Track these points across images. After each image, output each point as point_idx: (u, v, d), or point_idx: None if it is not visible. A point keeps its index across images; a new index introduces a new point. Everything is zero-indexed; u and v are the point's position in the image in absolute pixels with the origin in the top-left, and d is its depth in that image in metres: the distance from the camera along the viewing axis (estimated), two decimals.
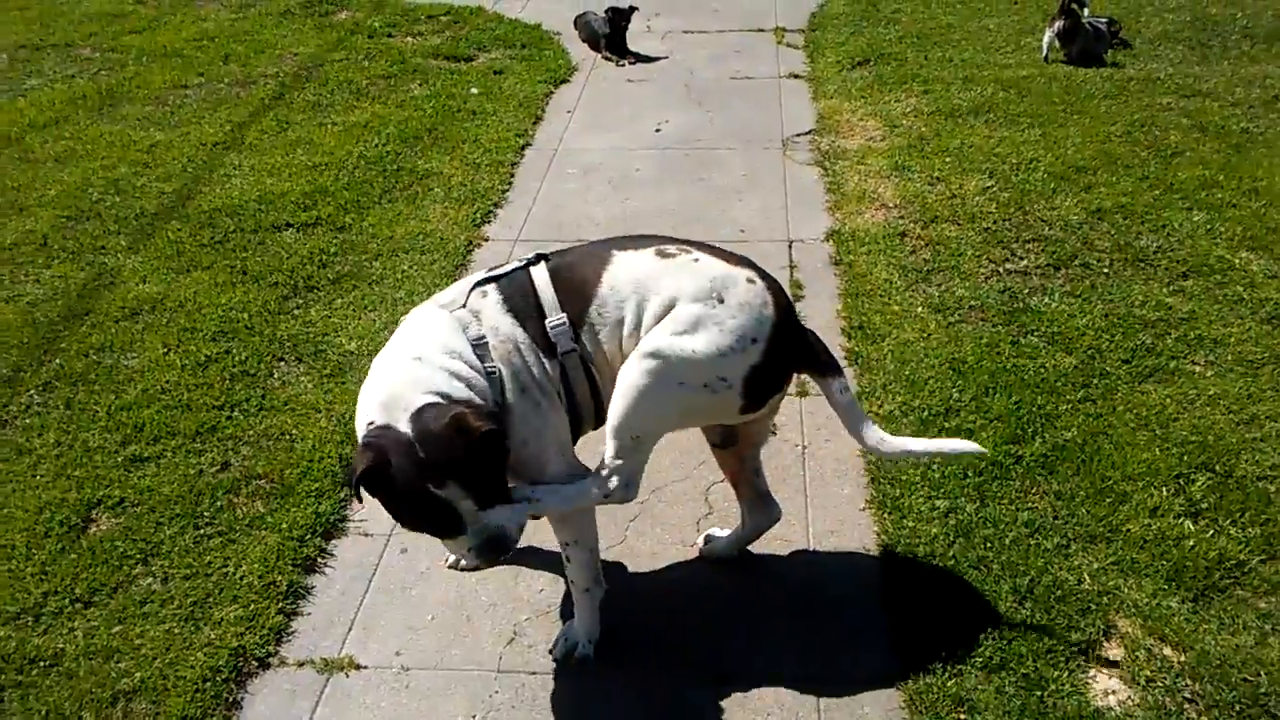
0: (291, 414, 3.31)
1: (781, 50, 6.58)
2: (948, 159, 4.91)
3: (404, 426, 1.97)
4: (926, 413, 3.22)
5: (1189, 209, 4.33)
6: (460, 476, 1.97)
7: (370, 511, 2.93)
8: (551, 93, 6.01)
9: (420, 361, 2.08)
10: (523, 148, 5.28)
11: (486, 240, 4.41)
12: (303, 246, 4.29)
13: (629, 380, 2.17)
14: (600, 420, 2.31)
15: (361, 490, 1.99)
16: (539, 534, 2.68)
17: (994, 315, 3.72)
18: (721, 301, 2.19)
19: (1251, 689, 2.27)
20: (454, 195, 4.73)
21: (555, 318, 2.21)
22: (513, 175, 4.99)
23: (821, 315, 3.77)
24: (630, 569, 2.75)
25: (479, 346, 2.14)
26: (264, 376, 3.51)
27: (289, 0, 7.66)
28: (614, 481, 2.25)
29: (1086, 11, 6.03)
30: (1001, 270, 4.01)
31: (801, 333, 2.34)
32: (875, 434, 2.33)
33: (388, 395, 2.04)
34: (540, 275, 2.26)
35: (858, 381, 3.41)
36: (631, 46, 6.51)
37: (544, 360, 2.21)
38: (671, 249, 2.29)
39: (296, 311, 3.87)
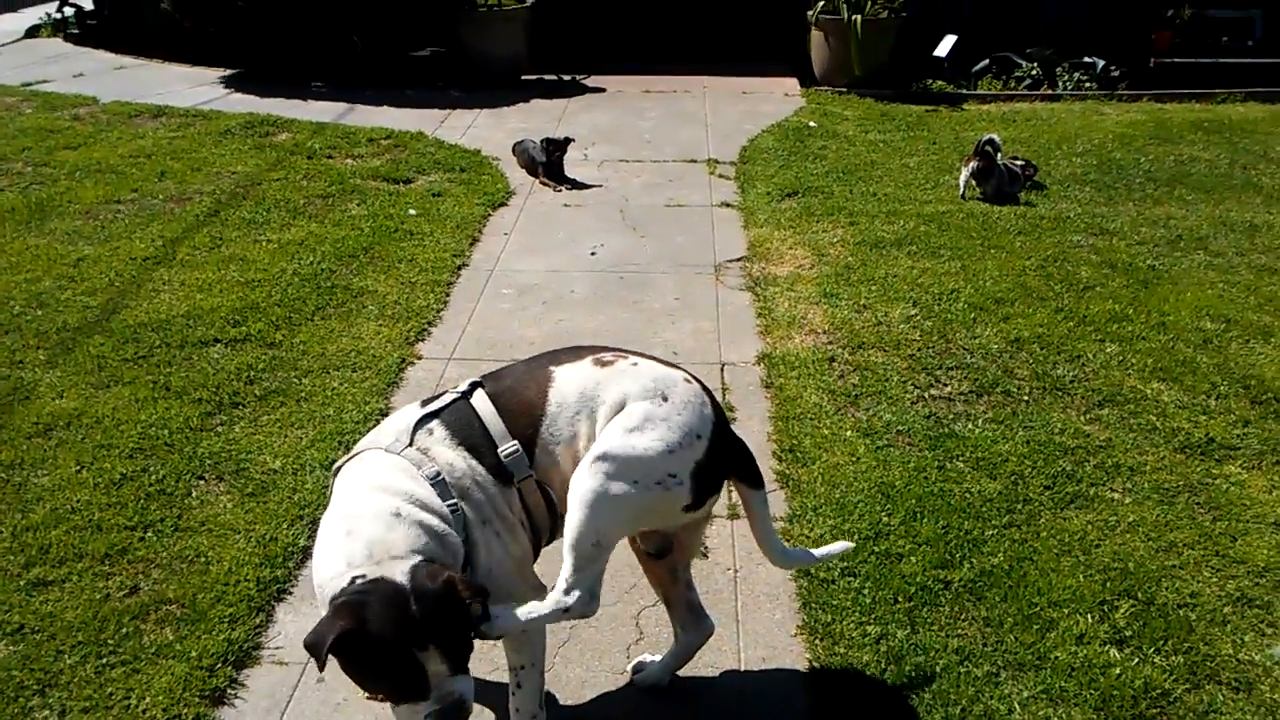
0: (208, 535, 3.19)
1: (714, 180, 6.81)
2: (873, 287, 5.07)
3: (401, 579, 1.89)
4: (856, 536, 3.23)
5: (1102, 341, 4.51)
6: (443, 639, 1.90)
7: (287, 638, 2.81)
8: (489, 215, 6.11)
9: (400, 518, 2.01)
10: (459, 268, 5.33)
11: (420, 358, 4.39)
12: (230, 362, 4.22)
13: (585, 486, 2.15)
14: (556, 534, 2.30)
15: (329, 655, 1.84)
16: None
17: (920, 440, 3.79)
18: (666, 400, 2.24)
19: None
20: (388, 313, 4.73)
21: (508, 446, 2.20)
22: (448, 294, 5.02)
23: (753, 437, 3.77)
24: (560, 699, 2.66)
25: (436, 485, 2.10)
26: (181, 496, 3.39)
27: (230, 120, 7.75)
28: (575, 595, 2.19)
29: (1000, 155, 6.38)
30: (927, 396, 4.11)
31: (735, 437, 2.41)
32: (782, 545, 2.52)
33: (372, 549, 1.96)
34: (483, 404, 2.25)
35: (789, 504, 3.42)
36: (569, 173, 6.69)
37: (501, 489, 2.19)
38: (607, 356, 2.33)
39: (220, 428, 3.78)
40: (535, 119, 8.20)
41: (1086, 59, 9.18)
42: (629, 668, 2.73)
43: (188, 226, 5.70)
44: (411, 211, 6.00)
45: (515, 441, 2.20)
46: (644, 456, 2.17)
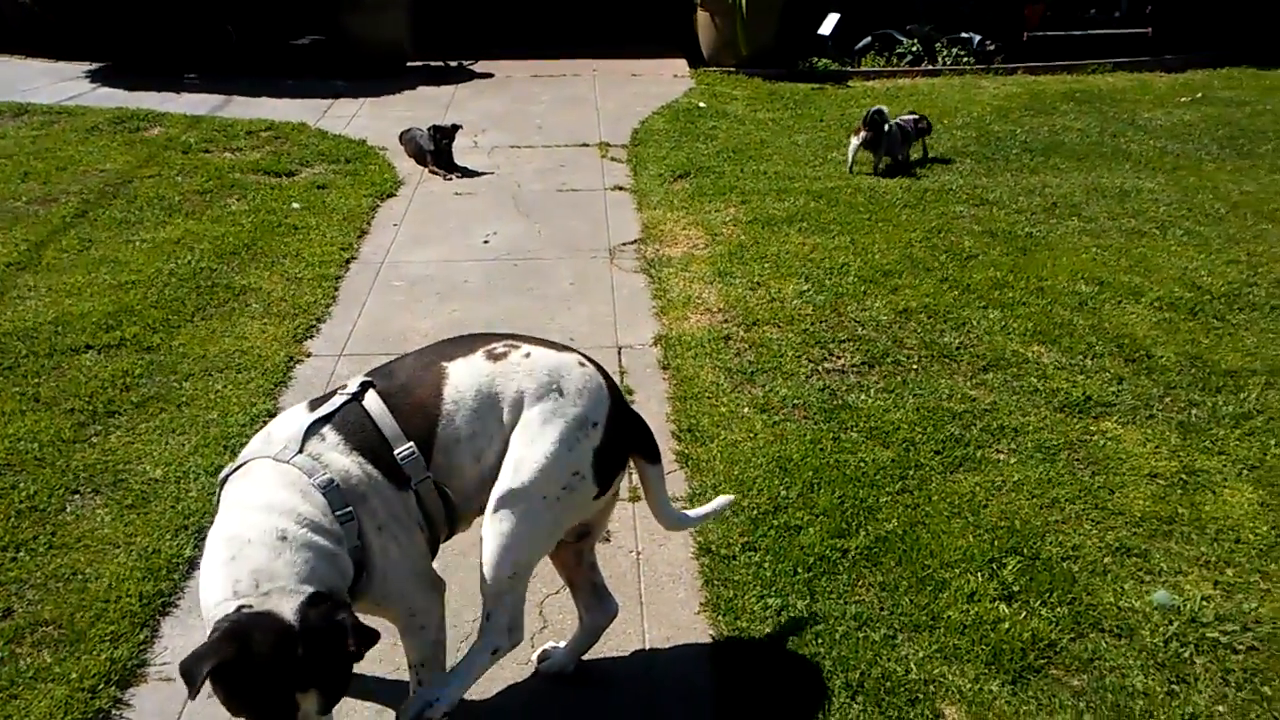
0: (86, 551, 3.04)
1: (606, 164, 6.78)
2: (766, 265, 5.12)
3: (290, 617, 1.81)
4: (756, 511, 3.27)
5: (985, 308, 4.65)
6: (325, 683, 1.83)
7: (174, 653, 2.70)
8: (377, 206, 5.97)
9: (286, 542, 1.91)
10: (347, 261, 5.19)
11: (309, 356, 4.27)
12: (104, 369, 4.03)
13: (493, 530, 2.19)
14: (455, 531, 2.28)
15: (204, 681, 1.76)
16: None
17: (815, 413, 3.84)
18: (561, 393, 2.23)
19: None
20: (274, 311, 4.58)
21: (404, 448, 2.14)
22: (337, 289, 4.88)
23: (652, 419, 3.71)
24: (465, 694, 2.62)
25: (328, 491, 2.02)
26: (55, 511, 3.22)
27: (97, 116, 7.39)
28: (500, 635, 2.27)
29: (889, 126, 6.48)
30: (821, 369, 4.17)
31: (633, 413, 2.44)
32: (676, 511, 2.62)
33: (258, 578, 1.86)
34: (375, 404, 2.17)
35: (689, 484, 3.43)
36: (459, 161, 6.58)
37: (397, 492, 2.13)
38: (499, 347, 2.29)
39: (95, 439, 3.60)
40: (422, 107, 8.04)
41: (964, 34, 9.44)
42: (534, 657, 2.71)
43: (54, 229, 5.42)
44: (295, 205, 5.82)
45: (411, 443, 2.15)
46: (545, 466, 2.19)
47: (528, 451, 2.20)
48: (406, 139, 6.76)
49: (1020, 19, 9.51)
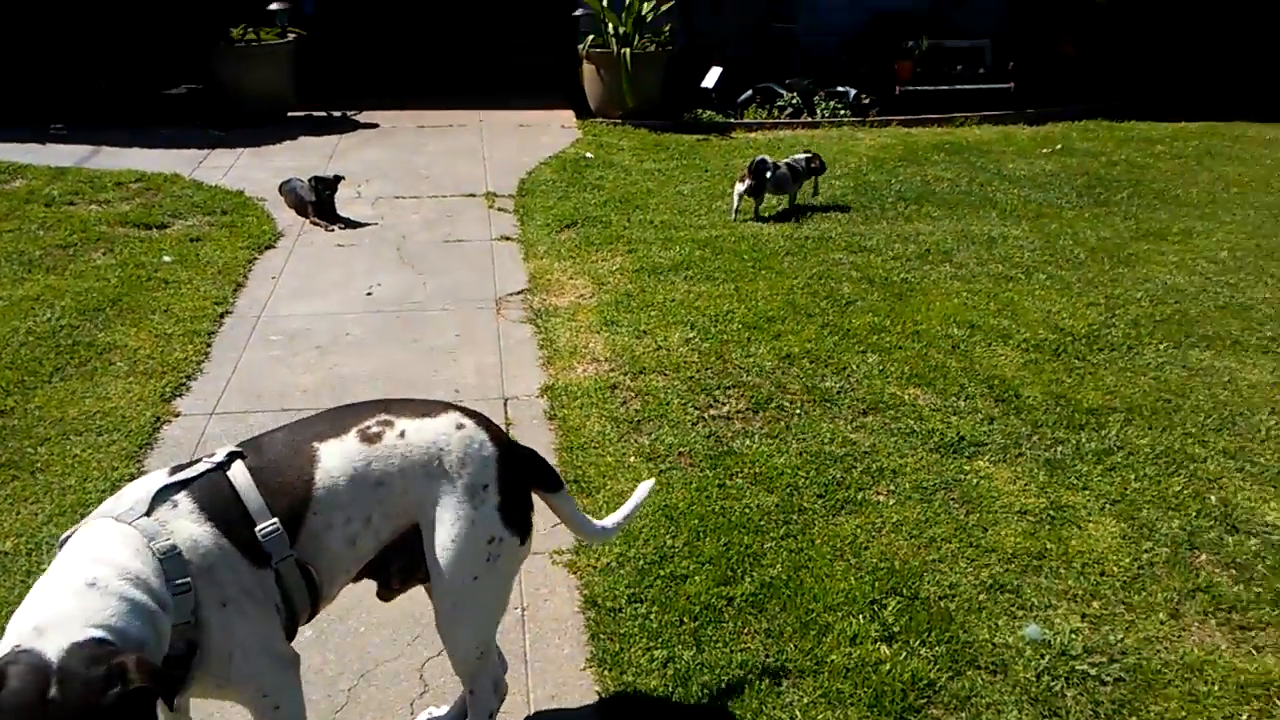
0: None
1: (493, 214, 6.77)
2: (652, 313, 5.17)
3: (50, 655, 1.64)
4: (642, 561, 3.25)
5: (864, 352, 4.77)
6: None
7: None
8: (255, 259, 5.81)
9: (94, 588, 1.76)
10: (221, 316, 5.03)
11: (177, 415, 4.09)
12: None
13: (446, 624, 2.25)
14: (317, 611, 2.18)
15: None
16: None
17: (701, 460, 3.87)
18: (444, 468, 2.17)
19: None
20: (140, 369, 4.38)
21: (267, 525, 2.03)
22: (209, 345, 4.71)
23: None
24: None
25: (169, 559, 1.88)
26: None
27: None
28: (489, 700, 2.38)
29: (770, 173, 6.68)
30: (706, 416, 4.21)
31: (524, 451, 2.40)
32: (596, 525, 2.58)
33: (47, 620, 1.70)
34: (241, 477, 2.06)
35: (574, 535, 3.39)
36: (341, 212, 6.47)
37: (254, 569, 2.01)
38: (372, 426, 2.19)
39: None
40: (304, 157, 7.90)
41: (840, 88, 9.79)
42: None
43: None
44: (167, 259, 5.62)
45: (275, 520, 2.04)
46: (460, 550, 2.17)
47: (438, 541, 2.18)
48: (286, 190, 6.63)
49: (892, 74, 9.92)
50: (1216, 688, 2.76)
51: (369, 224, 6.49)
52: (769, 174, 6.64)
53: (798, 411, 4.25)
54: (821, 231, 6.52)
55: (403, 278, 5.66)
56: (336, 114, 9.29)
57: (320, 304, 5.27)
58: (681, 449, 3.94)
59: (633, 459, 3.85)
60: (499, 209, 6.87)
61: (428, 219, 6.64)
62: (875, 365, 4.64)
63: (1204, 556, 3.34)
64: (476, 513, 2.19)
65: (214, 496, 2.02)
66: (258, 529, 2.02)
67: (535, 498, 2.37)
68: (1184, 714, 2.67)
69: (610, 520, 2.60)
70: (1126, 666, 2.84)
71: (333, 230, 6.31)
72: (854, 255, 6.10)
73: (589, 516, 2.58)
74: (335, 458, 2.13)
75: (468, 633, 2.27)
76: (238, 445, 2.16)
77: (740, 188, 6.69)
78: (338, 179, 6.44)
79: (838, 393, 4.40)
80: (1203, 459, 3.90)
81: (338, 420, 2.23)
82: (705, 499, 3.60)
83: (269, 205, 6.68)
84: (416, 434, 2.20)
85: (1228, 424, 4.16)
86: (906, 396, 4.37)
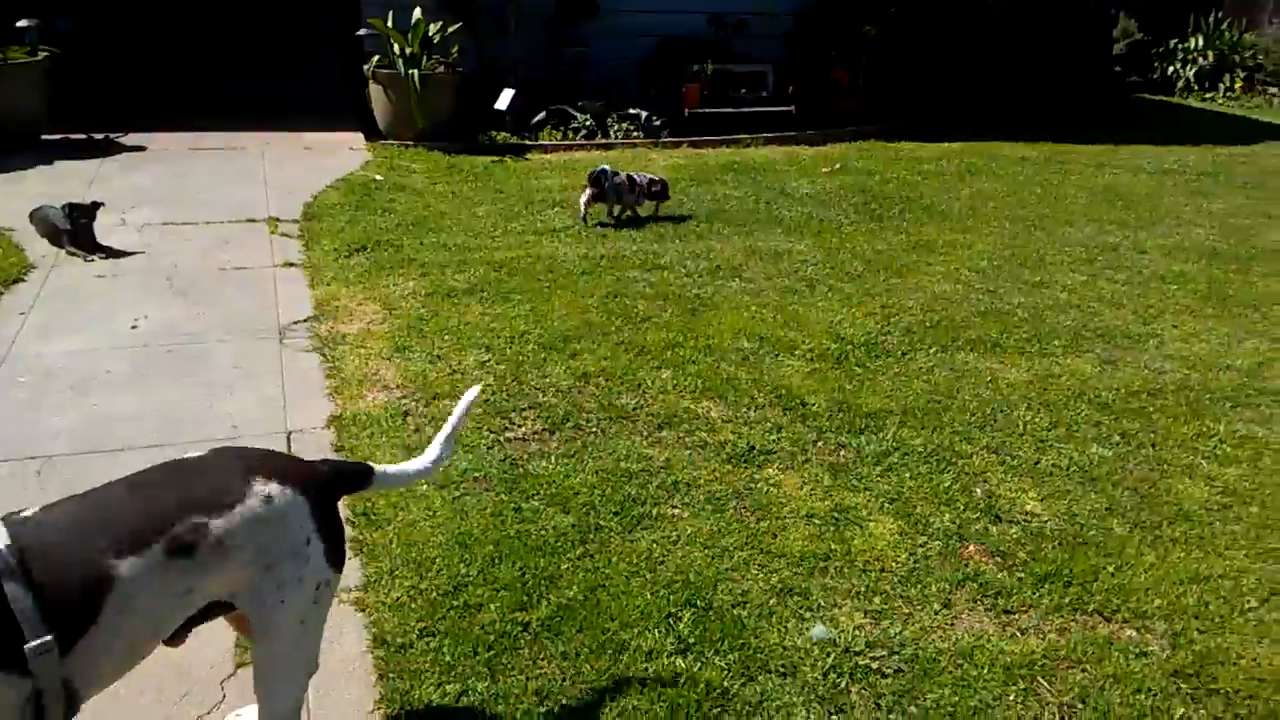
0: None
1: (276, 240, 6.45)
2: (446, 337, 5.05)
3: None
4: (435, 593, 3.14)
5: (658, 368, 4.84)
6: None
7: None
8: (1, 294, 5.29)
9: None
10: None
11: None
12: None
13: (269, 676, 2.17)
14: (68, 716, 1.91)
15: None
16: None
17: (497, 484, 3.79)
18: (262, 552, 2.03)
19: None
20: None
21: (37, 643, 1.73)
22: None
23: None
24: None
25: None
26: None
27: None
28: None
29: (608, 182, 6.99)
30: (502, 439, 4.14)
31: (327, 474, 2.27)
32: (425, 464, 2.45)
33: None
34: (11, 584, 1.73)
35: (363, 571, 3.25)
36: (102, 240, 6.00)
37: (4, 676, 1.72)
38: (184, 535, 1.91)
39: None
40: (62, 183, 7.26)
41: (633, 110, 9.97)
42: None
43: None
44: None
45: (50, 636, 1.75)
46: (291, 609, 2.08)
47: (265, 607, 2.07)
48: (38, 218, 6.06)
49: (681, 97, 10.20)
50: (985, 670, 2.93)
51: (135, 252, 6.04)
52: (606, 183, 6.98)
53: (594, 430, 4.25)
54: (616, 250, 6.59)
55: (174, 309, 5.29)
56: (99, 136, 8.62)
57: (77, 340, 4.84)
58: (476, 474, 3.85)
59: (424, 488, 3.73)
60: (283, 234, 6.56)
61: (203, 246, 6.25)
62: (669, 380, 4.71)
63: (972, 547, 3.55)
64: (303, 570, 2.08)
65: None
66: (27, 647, 1.73)
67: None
68: (957, 699, 2.82)
69: (433, 451, 2.47)
70: (905, 658, 2.97)
71: (92, 260, 5.83)
72: (648, 273, 6.19)
73: (408, 465, 2.47)
74: (134, 578, 1.86)
75: (292, 681, 2.22)
76: (10, 527, 1.83)
77: (585, 196, 7.02)
78: (96, 205, 5.95)
79: (633, 409, 4.43)
80: (969, 455, 4.17)
81: (138, 519, 1.92)
82: (501, 523, 3.53)
83: (18, 235, 6.10)
84: (230, 534, 1.98)
85: (990, 421, 4.47)
86: (700, 409, 4.46)
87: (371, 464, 2.42)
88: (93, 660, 1.85)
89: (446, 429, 2.51)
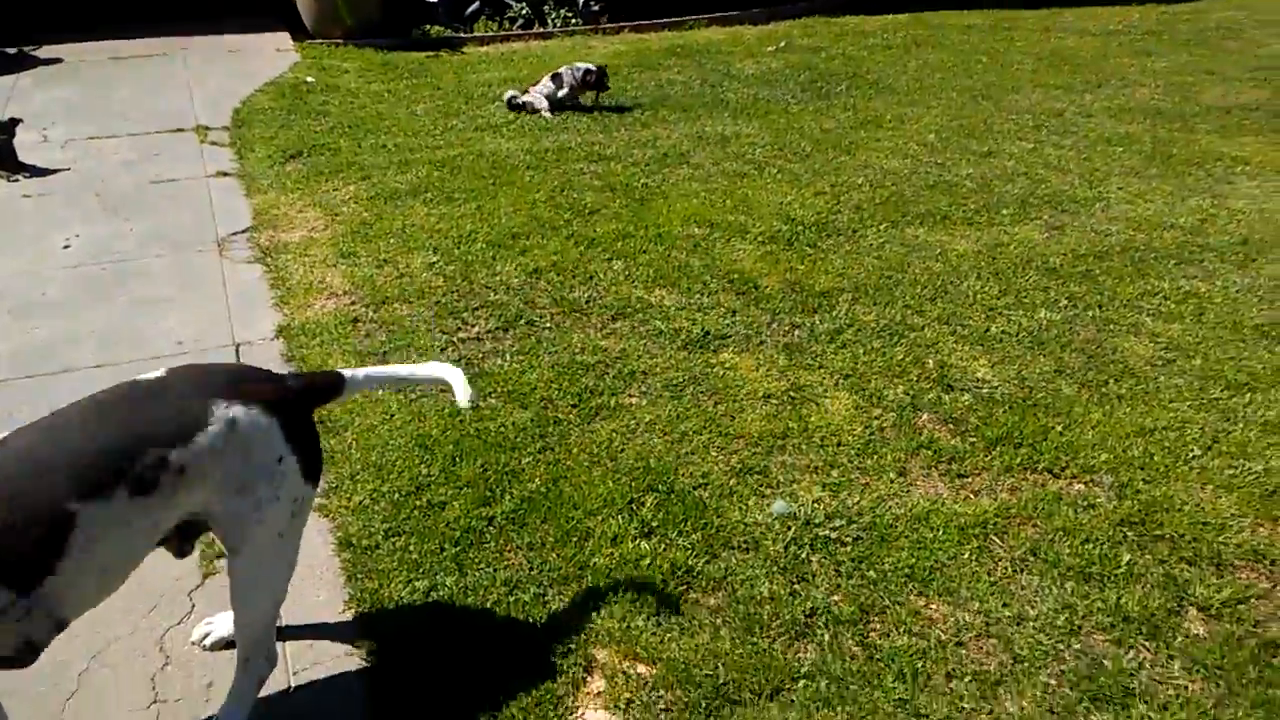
0: None
1: (206, 149, 6.23)
2: (392, 240, 4.95)
3: None
4: (398, 494, 3.15)
5: (610, 259, 4.79)
6: None
7: None
8: None
9: None
10: None
11: None
12: None
13: (246, 590, 2.16)
14: (59, 629, 1.93)
15: None
16: None
17: None
18: (232, 475, 2.01)
19: (713, 682, 2.47)
20: None
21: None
22: None
23: None
24: None
25: None
26: None
27: None
28: (262, 667, 2.30)
29: (566, 70, 6.99)
30: (456, 340, 4.10)
31: (298, 388, 2.23)
32: (386, 369, 2.61)
33: None
34: None
35: (325, 478, 3.24)
36: (24, 159, 5.75)
37: None
38: (146, 474, 1.88)
39: None
40: None
41: None
42: (195, 637, 2.59)
43: None
44: None
45: (10, 592, 1.77)
46: (269, 525, 2.08)
47: (240, 526, 2.07)
48: None
49: None
50: (940, 532, 3.01)
51: (59, 170, 5.81)
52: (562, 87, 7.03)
53: (548, 325, 4.22)
54: (560, 143, 6.45)
55: (106, 226, 5.12)
56: (10, 50, 8.19)
57: (9, 264, 4.69)
58: None
59: (380, 392, 3.70)
60: (212, 143, 6.33)
61: (130, 160, 6.02)
62: (621, 271, 4.67)
63: (925, 416, 3.62)
64: (279, 489, 2.07)
65: None
66: None
67: None
68: (914, 560, 2.90)
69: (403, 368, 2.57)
70: (863, 526, 3.04)
71: (16, 180, 5.60)
72: (595, 165, 6.08)
73: (379, 368, 2.55)
74: (97, 523, 1.83)
75: (268, 592, 2.23)
76: None
77: (536, 89, 7.07)
78: (14, 121, 5.71)
79: (586, 302, 4.40)
80: (921, 327, 4.21)
81: (97, 458, 1.87)
82: (459, 423, 3.52)
83: None
84: (196, 461, 1.95)
85: (941, 293, 4.50)
86: (653, 299, 4.44)
87: (341, 370, 2.38)
88: (67, 590, 1.85)
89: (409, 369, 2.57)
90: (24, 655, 1.88)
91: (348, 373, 2.37)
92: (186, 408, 1.99)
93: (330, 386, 2.34)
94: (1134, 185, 5.78)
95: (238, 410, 2.02)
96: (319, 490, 3.15)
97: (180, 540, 2.19)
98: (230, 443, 2.00)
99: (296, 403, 2.18)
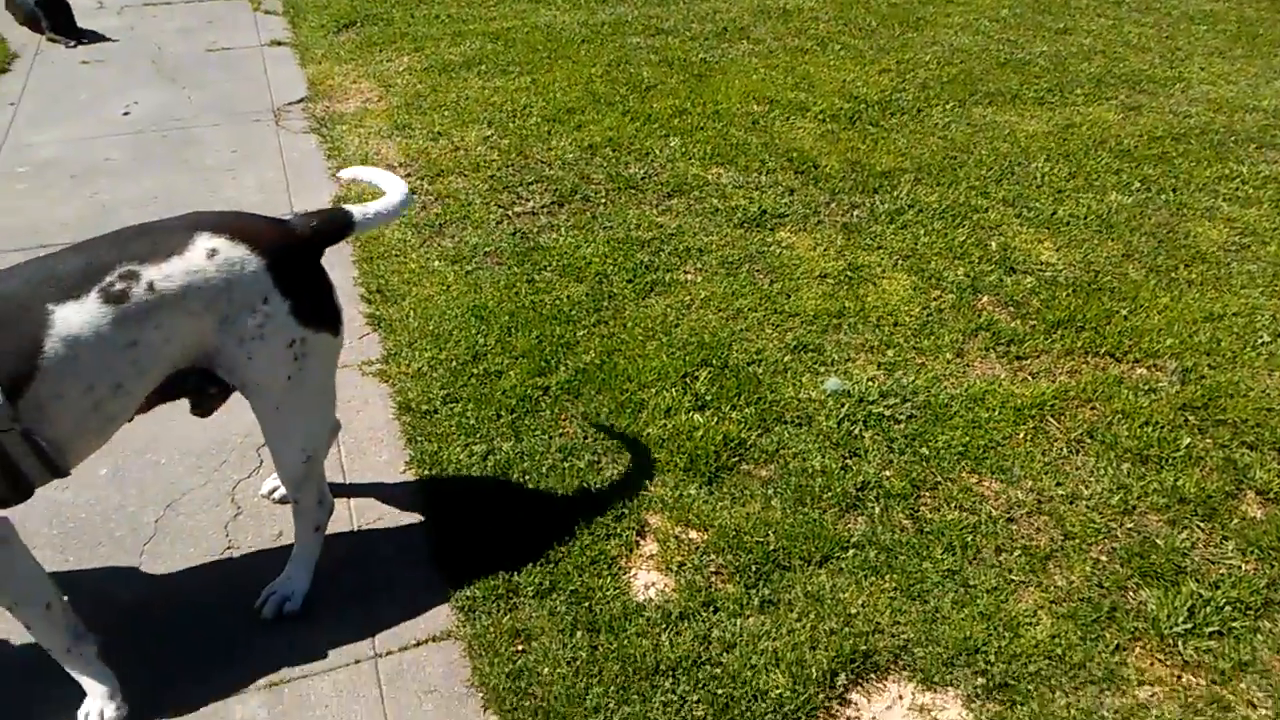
0: None
1: (260, 17, 6.17)
2: (446, 113, 4.90)
3: None
4: (455, 362, 3.20)
5: (666, 136, 4.70)
6: None
7: None
8: None
9: None
10: None
11: None
12: None
13: (270, 439, 2.23)
14: (62, 473, 1.98)
15: None
16: None
17: (508, 258, 3.78)
18: (210, 305, 1.99)
19: (763, 549, 2.52)
20: None
21: None
22: None
23: (339, 284, 3.54)
24: (166, 591, 2.44)
25: None
26: None
27: None
28: (314, 513, 2.37)
29: None
30: (511, 214, 4.09)
31: (302, 233, 2.17)
32: (390, 201, 2.38)
33: None
34: None
35: (383, 345, 3.30)
36: (82, 25, 5.74)
37: None
38: (115, 284, 1.91)
39: None
40: None
41: None
42: (263, 490, 2.70)
43: None
44: None
45: None
46: (264, 369, 2.09)
47: (236, 365, 2.08)
48: (14, 5, 5.80)
49: None
50: (996, 413, 3.00)
51: (117, 38, 5.80)
52: None
53: (603, 201, 4.19)
54: (617, 16, 6.28)
55: (163, 94, 5.12)
56: None
57: (70, 129, 4.73)
58: (487, 249, 3.83)
59: (437, 263, 3.73)
60: (266, 11, 6.26)
61: (185, 27, 5.99)
62: (678, 148, 4.60)
63: (986, 299, 3.56)
64: (264, 328, 2.04)
65: None
66: None
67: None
68: (968, 439, 2.90)
69: (398, 184, 2.43)
70: (917, 405, 3.04)
71: (74, 46, 5.61)
72: (652, 39, 5.92)
73: (381, 207, 2.35)
74: (71, 324, 1.87)
75: (294, 438, 2.24)
76: None
77: None
78: None
79: (642, 179, 4.35)
80: (984, 209, 4.10)
81: (77, 271, 1.92)
82: (515, 295, 3.54)
83: None
84: (167, 282, 1.95)
85: (1007, 174, 4.37)
86: (710, 176, 4.37)
87: (347, 207, 2.32)
88: (43, 415, 1.87)
89: (387, 175, 2.47)
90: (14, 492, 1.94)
91: (357, 210, 2.31)
92: (170, 236, 2.02)
93: (338, 223, 2.28)
94: (1217, 65, 5.50)
95: (220, 242, 2.02)
96: (362, 355, 3.22)
97: (196, 394, 2.21)
98: (209, 270, 1.99)
99: (298, 244, 2.15)
